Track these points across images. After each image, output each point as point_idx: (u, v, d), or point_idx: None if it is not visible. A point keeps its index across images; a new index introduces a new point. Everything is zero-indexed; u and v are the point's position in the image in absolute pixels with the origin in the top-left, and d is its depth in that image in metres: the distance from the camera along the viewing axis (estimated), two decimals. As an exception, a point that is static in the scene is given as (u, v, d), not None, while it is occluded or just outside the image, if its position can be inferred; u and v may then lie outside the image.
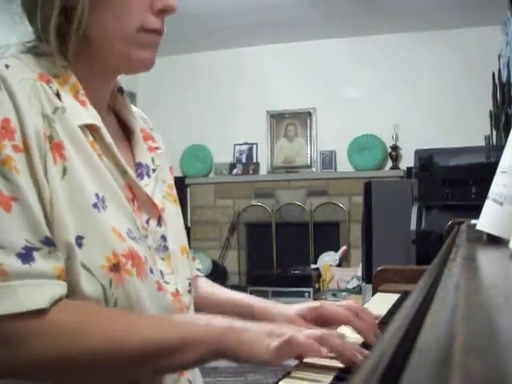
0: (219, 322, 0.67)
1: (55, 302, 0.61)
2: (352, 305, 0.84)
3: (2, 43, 0.75)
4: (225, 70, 5.45)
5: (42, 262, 0.61)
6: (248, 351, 0.64)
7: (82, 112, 0.71)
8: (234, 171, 5.41)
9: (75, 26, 0.70)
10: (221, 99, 5.43)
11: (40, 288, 0.60)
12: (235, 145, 5.45)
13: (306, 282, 4.78)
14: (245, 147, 5.45)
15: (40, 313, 0.60)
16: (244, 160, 5.44)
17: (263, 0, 4.38)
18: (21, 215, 0.61)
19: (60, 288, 0.63)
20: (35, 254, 0.61)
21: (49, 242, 0.63)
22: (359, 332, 0.78)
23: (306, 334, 0.66)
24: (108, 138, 0.73)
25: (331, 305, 0.83)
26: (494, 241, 0.66)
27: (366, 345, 0.75)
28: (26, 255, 0.60)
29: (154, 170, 0.83)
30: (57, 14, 0.70)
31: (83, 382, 0.67)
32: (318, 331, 0.68)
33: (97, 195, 0.68)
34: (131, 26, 0.72)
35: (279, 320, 0.83)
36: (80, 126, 0.70)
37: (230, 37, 5.14)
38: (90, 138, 0.71)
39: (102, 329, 0.64)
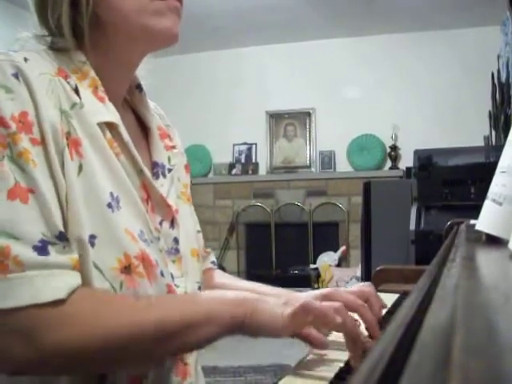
0: (233, 294, 0.68)
1: (72, 292, 0.60)
2: (364, 290, 0.83)
3: (20, 36, 0.74)
4: (224, 70, 5.45)
5: (57, 256, 0.61)
6: (262, 320, 0.65)
7: (100, 109, 0.70)
8: (233, 171, 5.41)
9: (84, 8, 0.69)
10: (220, 99, 5.43)
11: (56, 278, 0.60)
12: (234, 145, 5.45)
13: (305, 282, 4.79)
14: (244, 147, 5.45)
15: (57, 303, 0.59)
16: (243, 160, 5.44)
17: (263, 0, 4.38)
18: (37, 208, 0.61)
19: (76, 278, 0.62)
20: (50, 248, 0.61)
21: (62, 238, 0.62)
22: (364, 322, 0.78)
23: (323, 303, 0.67)
24: (126, 136, 0.73)
25: (343, 292, 0.81)
26: (494, 241, 0.66)
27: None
28: (41, 248, 0.60)
29: (169, 170, 0.82)
30: (67, 5, 0.69)
31: (108, 369, 0.66)
32: (336, 303, 0.68)
33: (111, 194, 0.68)
34: None
35: None
36: (98, 124, 0.69)
37: (229, 37, 5.14)
38: (108, 135, 0.70)
39: (120, 312, 0.63)
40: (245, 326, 0.65)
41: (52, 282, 0.59)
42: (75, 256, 0.63)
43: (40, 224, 0.60)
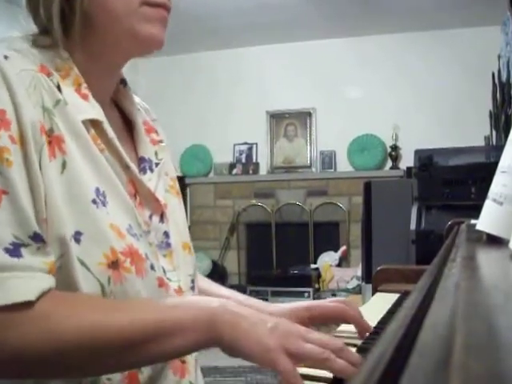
0: (211, 301, 0.64)
1: (43, 294, 0.60)
2: (338, 299, 0.86)
3: (4, 36, 0.74)
4: (224, 70, 5.45)
5: (31, 258, 0.60)
6: (245, 347, 0.59)
7: (83, 106, 0.70)
8: (234, 171, 5.41)
9: (77, 5, 0.69)
10: (220, 99, 5.43)
11: (28, 280, 0.59)
12: (235, 145, 5.45)
13: (305, 281, 4.78)
14: (244, 147, 5.45)
15: (27, 305, 0.59)
16: (244, 160, 5.44)
17: (262, 0, 4.38)
18: (10, 209, 0.60)
19: (49, 281, 0.61)
20: (23, 250, 0.60)
21: (37, 238, 0.62)
22: (353, 321, 0.80)
23: (312, 338, 0.61)
24: (110, 133, 0.72)
25: (321, 302, 0.85)
26: (494, 241, 0.66)
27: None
28: (13, 250, 0.59)
29: (157, 164, 0.82)
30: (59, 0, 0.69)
31: (73, 375, 0.65)
32: (329, 341, 0.62)
33: (97, 190, 0.68)
34: (134, 1, 0.71)
35: None
36: (82, 121, 0.69)
37: (229, 37, 5.13)
38: (92, 132, 0.70)
39: (89, 314, 0.61)
40: (224, 343, 0.60)
41: (23, 284, 0.59)
42: (50, 259, 0.62)
43: (12, 226, 0.60)
